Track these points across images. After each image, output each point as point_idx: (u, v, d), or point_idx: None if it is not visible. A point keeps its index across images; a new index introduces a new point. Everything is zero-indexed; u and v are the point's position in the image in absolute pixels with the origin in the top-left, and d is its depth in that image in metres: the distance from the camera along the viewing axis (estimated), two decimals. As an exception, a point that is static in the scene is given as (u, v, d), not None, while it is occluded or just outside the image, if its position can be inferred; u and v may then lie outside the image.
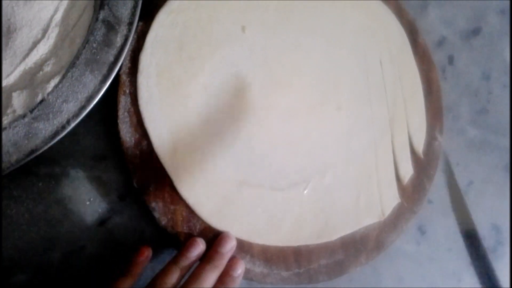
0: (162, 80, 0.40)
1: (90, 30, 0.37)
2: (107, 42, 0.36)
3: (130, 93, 0.39)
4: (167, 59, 0.41)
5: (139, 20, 0.38)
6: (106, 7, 0.37)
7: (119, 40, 0.37)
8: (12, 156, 0.33)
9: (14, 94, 0.34)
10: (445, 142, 0.49)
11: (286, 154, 0.42)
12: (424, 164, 0.47)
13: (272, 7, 0.45)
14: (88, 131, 0.40)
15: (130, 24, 0.37)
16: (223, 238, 0.38)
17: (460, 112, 0.52)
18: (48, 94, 0.34)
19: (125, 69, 0.40)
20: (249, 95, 0.42)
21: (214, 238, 0.38)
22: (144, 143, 0.39)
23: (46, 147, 0.34)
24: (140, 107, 0.39)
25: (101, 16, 0.37)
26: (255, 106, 0.42)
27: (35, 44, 0.35)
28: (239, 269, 0.37)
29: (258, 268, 0.40)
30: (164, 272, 0.34)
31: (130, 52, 0.40)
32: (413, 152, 0.47)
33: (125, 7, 0.37)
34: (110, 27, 0.37)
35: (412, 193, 0.46)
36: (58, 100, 0.35)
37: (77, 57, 0.36)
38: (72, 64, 0.36)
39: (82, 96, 0.35)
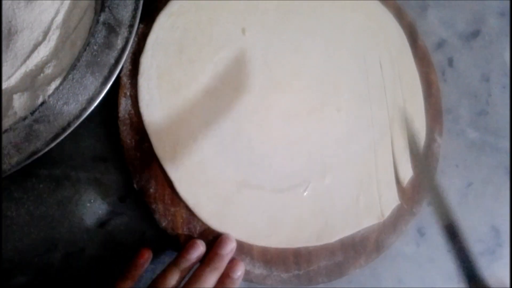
0: (163, 82, 0.40)
1: (91, 32, 0.37)
2: (108, 44, 0.37)
3: (130, 95, 0.40)
4: (168, 62, 0.41)
5: (139, 23, 0.39)
6: (107, 9, 0.37)
7: (119, 42, 0.37)
8: (13, 158, 0.33)
9: (15, 96, 0.34)
10: (444, 143, 0.49)
11: (286, 155, 0.42)
12: (423, 166, 0.47)
13: (272, 9, 0.45)
14: (88, 133, 0.40)
15: (131, 26, 0.37)
16: (223, 240, 0.38)
17: (459, 114, 0.52)
18: (49, 96, 0.35)
19: (125, 71, 0.40)
20: (249, 97, 0.42)
21: (214, 240, 0.38)
22: (145, 145, 0.39)
23: (46, 149, 0.34)
24: (141, 109, 0.39)
25: (102, 19, 0.37)
26: (255, 108, 0.42)
27: (36, 46, 0.35)
28: (239, 271, 0.37)
29: (258, 270, 0.40)
30: (164, 274, 0.35)
31: (130, 54, 0.40)
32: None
33: (125, 9, 0.37)
34: (111, 29, 0.37)
35: (412, 195, 0.46)
36: (59, 102, 0.35)
37: (78, 59, 0.36)
38: (73, 66, 0.36)
39: (83, 98, 0.35)
